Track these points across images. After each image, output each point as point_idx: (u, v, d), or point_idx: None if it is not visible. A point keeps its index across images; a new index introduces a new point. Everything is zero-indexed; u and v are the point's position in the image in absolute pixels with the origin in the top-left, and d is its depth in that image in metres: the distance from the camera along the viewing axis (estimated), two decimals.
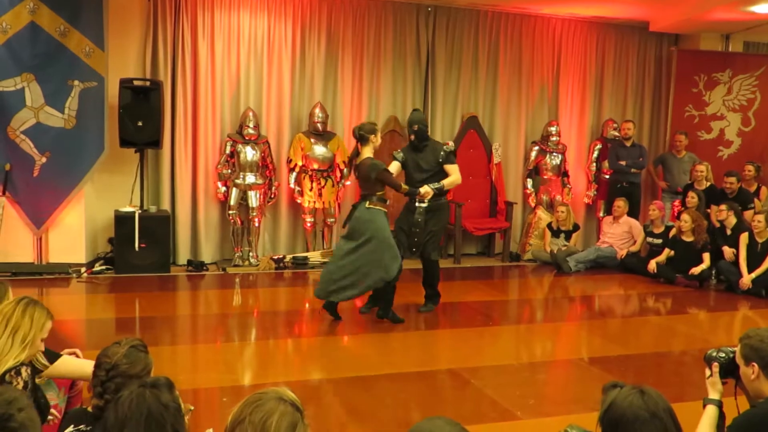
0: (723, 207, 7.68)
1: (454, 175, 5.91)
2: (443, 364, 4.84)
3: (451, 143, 6.55)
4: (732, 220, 7.60)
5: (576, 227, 8.77)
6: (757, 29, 9.25)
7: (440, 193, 5.89)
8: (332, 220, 8.30)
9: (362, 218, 5.57)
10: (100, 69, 7.23)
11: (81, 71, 7.15)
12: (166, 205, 7.86)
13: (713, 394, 2.54)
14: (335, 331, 5.90)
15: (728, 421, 2.44)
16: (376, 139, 5.66)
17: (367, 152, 5.62)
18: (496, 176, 9.07)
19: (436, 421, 1.61)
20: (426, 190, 5.75)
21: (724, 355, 2.51)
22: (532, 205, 9.15)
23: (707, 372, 2.54)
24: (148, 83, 7.40)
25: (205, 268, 7.72)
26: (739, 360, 2.42)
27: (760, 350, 2.32)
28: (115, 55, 7.45)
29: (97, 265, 7.41)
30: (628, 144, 8.94)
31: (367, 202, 5.59)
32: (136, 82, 7.33)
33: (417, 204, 5.79)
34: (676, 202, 8.79)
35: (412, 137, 6.00)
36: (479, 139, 9.04)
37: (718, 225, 7.90)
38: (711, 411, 2.50)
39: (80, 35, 7.10)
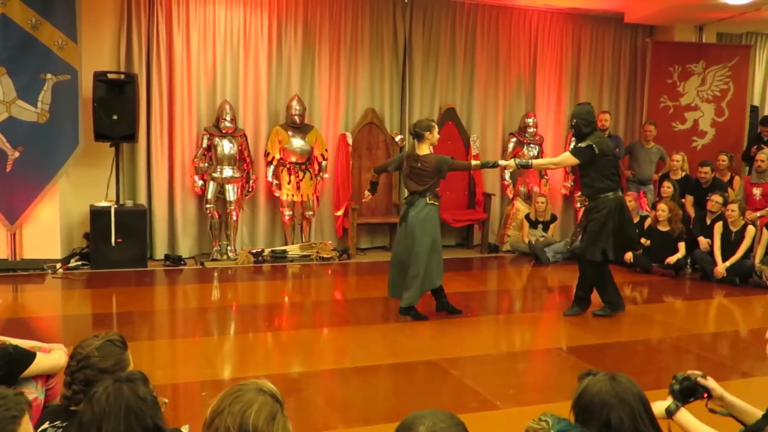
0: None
1: (558, 158, 6.04)
2: (423, 355, 4.86)
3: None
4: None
5: (554, 218, 8.84)
6: (729, 21, 9.37)
7: (525, 166, 6.11)
8: (311, 213, 8.27)
9: (427, 216, 5.56)
10: (74, 62, 7.12)
11: (54, 64, 7.04)
12: (142, 200, 7.78)
13: (672, 406, 2.34)
14: (315, 323, 5.90)
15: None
16: (432, 136, 5.57)
17: (425, 149, 5.57)
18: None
19: (433, 411, 1.60)
20: (507, 163, 6.04)
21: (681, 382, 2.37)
22: (510, 196, 9.20)
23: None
24: (122, 76, 7.32)
25: (182, 262, 7.66)
26: None
27: None
28: (88, 47, 7.35)
29: (72, 260, 7.32)
30: (605, 135, 9.00)
31: (427, 199, 5.58)
32: (110, 75, 7.25)
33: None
34: (641, 193, 8.86)
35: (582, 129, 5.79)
36: (457, 131, 9.06)
37: (693, 215, 8.00)
38: (685, 417, 2.33)
39: (52, 28, 6.99)
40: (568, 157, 5.93)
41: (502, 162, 6.14)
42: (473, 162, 5.94)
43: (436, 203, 5.64)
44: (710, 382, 2.32)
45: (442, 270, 5.66)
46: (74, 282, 6.84)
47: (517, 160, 6.07)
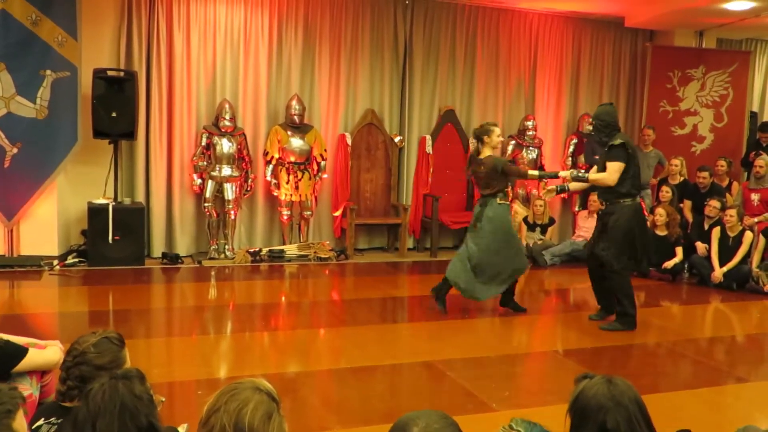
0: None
1: (607, 172, 5.51)
2: (420, 356, 4.85)
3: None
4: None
5: (552, 221, 8.84)
6: (730, 26, 9.38)
7: (581, 180, 5.74)
8: (309, 213, 8.27)
9: (498, 216, 5.65)
10: (74, 59, 7.12)
11: (53, 61, 7.04)
12: (140, 197, 7.77)
13: None
14: (311, 324, 5.90)
15: None
16: (490, 139, 5.69)
17: (487, 151, 5.72)
18: None
19: (427, 411, 1.60)
20: (565, 174, 5.83)
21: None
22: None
23: None
24: (122, 74, 7.31)
25: (180, 260, 7.66)
26: None
27: None
28: (88, 44, 7.35)
29: (69, 257, 7.31)
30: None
31: (498, 199, 5.68)
32: (110, 73, 7.25)
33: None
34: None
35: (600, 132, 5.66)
36: (456, 133, 9.07)
37: (691, 220, 8.01)
38: None
39: (53, 24, 6.99)
40: (613, 166, 5.49)
41: (561, 173, 5.92)
42: (530, 171, 5.82)
43: (507, 202, 5.78)
44: None
45: (520, 263, 5.75)
46: (71, 279, 6.83)
47: (574, 173, 5.81)
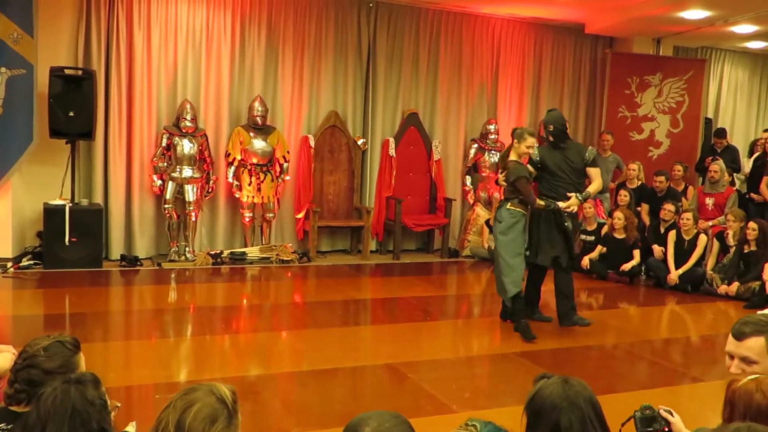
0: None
1: (597, 180, 5.64)
2: (381, 359, 4.86)
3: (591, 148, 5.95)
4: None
5: None
6: (686, 35, 9.61)
7: (586, 199, 5.75)
8: (271, 215, 8.22)
9: (504, 219, 5.59)
10: (29, 56, 6.96)
11: (8, 58, 6.86)
12: (98, 199, 7.63)
13: None
14: (273, 326, 5.86)
15: None
16: (518, 146, 5.52)
17: (513, 155, 5.58)
18: (435, 173, 9.16)
19: (379, 412, 1.62)
20: (572, 202, 5.50)
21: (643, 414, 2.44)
22: (471, 201, 9.27)
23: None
24: (80, 72, 7.17)
25: (139, 263, 7.54)
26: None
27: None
28: (45, 42, 7.19)
29: (24, 259, 7.15)
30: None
31: (508, 204, 5.58)
32: (67, 71, 7.10)
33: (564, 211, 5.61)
34: (597, 201, 9.00)
35: (551, 138, 5.66)
36: (419, 136, 9.11)
37: (648, 223, 8.17)
38: None
39: (7, 20, 6.82)
40: (597, 171, 5.68)
41: (562, 204, 5.53)
42: (538, 200, 5.49)
43: (518, 209, 5.56)
44: (673, 418, 2.35)
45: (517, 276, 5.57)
46: (26, 282, 6.67)
47: (580, 197, 5.60)
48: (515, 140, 5.56)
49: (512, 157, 5.58)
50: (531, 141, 5.54)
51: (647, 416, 2.38)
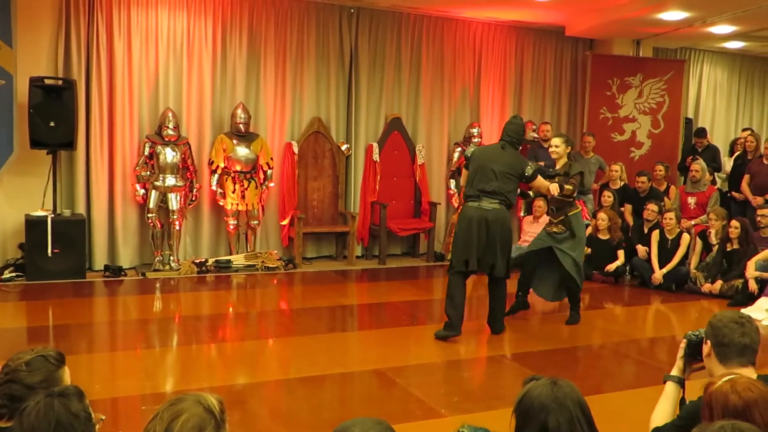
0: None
1: (542, 185, 5.74)
2: (369, 364, 4.85)
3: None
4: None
5: None
6: (665, 36, 9.70)
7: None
8: (255, 222, 8.19)
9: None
10: (9, 67, 6.91)
11: None
12: (81, 209, 7.57)
13: (673, 371, 2.63)
14: (259, 334, 5.83)
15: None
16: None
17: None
18: (419, 177, 9.18)
19: (362, 419, 1.63)
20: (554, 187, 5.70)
21: (696, 334, 2.56)
22: (456, 205, 9.28)
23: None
24: (60, 82, 7.11)
25: (123, 273, 7.48)
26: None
27: (715, 328, 2.37)
28: (24, 52, 7.13)
29: (6, 272, 7.06)
30: (546, 145, 9.18)
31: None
32: (47, 81, 7.03)
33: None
34: (580, 202, 9.05)
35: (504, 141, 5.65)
36: (403, 141, 9.12)
37: (632, 223, 8.23)
38: (668, 387, 2.59)
39: None
40: (541, 183, 5.74)
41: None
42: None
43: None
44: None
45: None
46: (8, 294, 6.60)
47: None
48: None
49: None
50: (553, 141, 5.99)
51: (699, 340, 2.52)
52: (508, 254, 5.55)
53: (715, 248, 7.50)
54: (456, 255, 5.51)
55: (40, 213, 7.06)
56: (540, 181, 5.67)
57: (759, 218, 7.33)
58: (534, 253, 6.13)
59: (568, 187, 5.77)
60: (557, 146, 5.93)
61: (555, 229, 5.96)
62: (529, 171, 5.56)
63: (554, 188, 5.67)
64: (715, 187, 8.71)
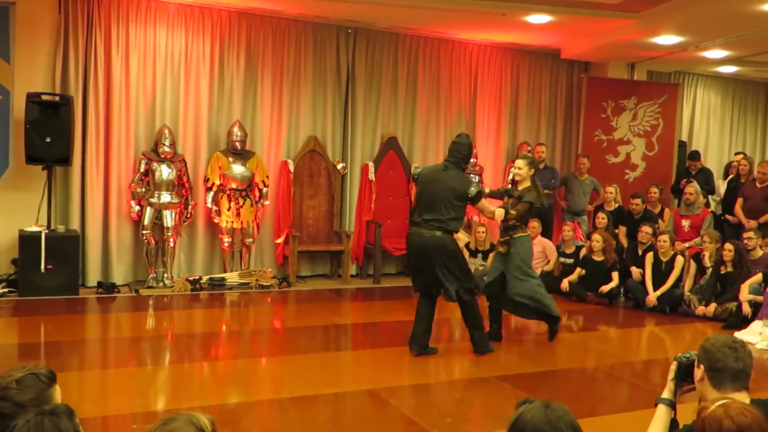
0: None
1: (488, 210, 5.57)
2: (362, 384, 4.82)
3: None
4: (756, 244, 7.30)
5: (493, 247, 8.91)
6: (659, 59, 9.80)
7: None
8: (250, 240, 8.18)
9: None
10: (6, 82, 6.93)
11: None
12: (75, 225, 7.55)
13: (664, 393, 2.62)
14: (253, 353, 5.80)
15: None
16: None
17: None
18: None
19: None
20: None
21: (687, 356, 2.56)
22: None
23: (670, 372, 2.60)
24: (57, 98, 7.13)
25: (116, 290, 7.44)
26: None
27: (708, 353, 2.36)
28: (22, 68, 7.16)
29: None
30: (541, 166, 9.23)
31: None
32: (44, 97, 7.05)
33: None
34: (575, 223, 9.08)
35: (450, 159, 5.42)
36: (399, 160, 9.15)
37: (626, 245, 8.25)
38: (659, 410, 2.60)
39: None
40: (485, 206, 5.56)
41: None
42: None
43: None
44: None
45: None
46: (0, 310, 6.55)
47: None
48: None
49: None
50: (516, 162, 5.89)
51: (690, 363, 2.51)
52: (461, 277, 5.38)
53: (709, 271, 7.51)
54: (412, 278, 5.66)
55: (34, 228, 7.04)
56: (483, 204, 5.45)
57: (746, 241, 7.36)
58: (496, 282, 5.97)
59: (512, 212, 5.62)
60: (520, 168, 5.77)
61: (500, 249, 5.92)
62: (472, 192, 5.27)
63: (499, 214, 5.54)
64: (709, 210, 8.75)
